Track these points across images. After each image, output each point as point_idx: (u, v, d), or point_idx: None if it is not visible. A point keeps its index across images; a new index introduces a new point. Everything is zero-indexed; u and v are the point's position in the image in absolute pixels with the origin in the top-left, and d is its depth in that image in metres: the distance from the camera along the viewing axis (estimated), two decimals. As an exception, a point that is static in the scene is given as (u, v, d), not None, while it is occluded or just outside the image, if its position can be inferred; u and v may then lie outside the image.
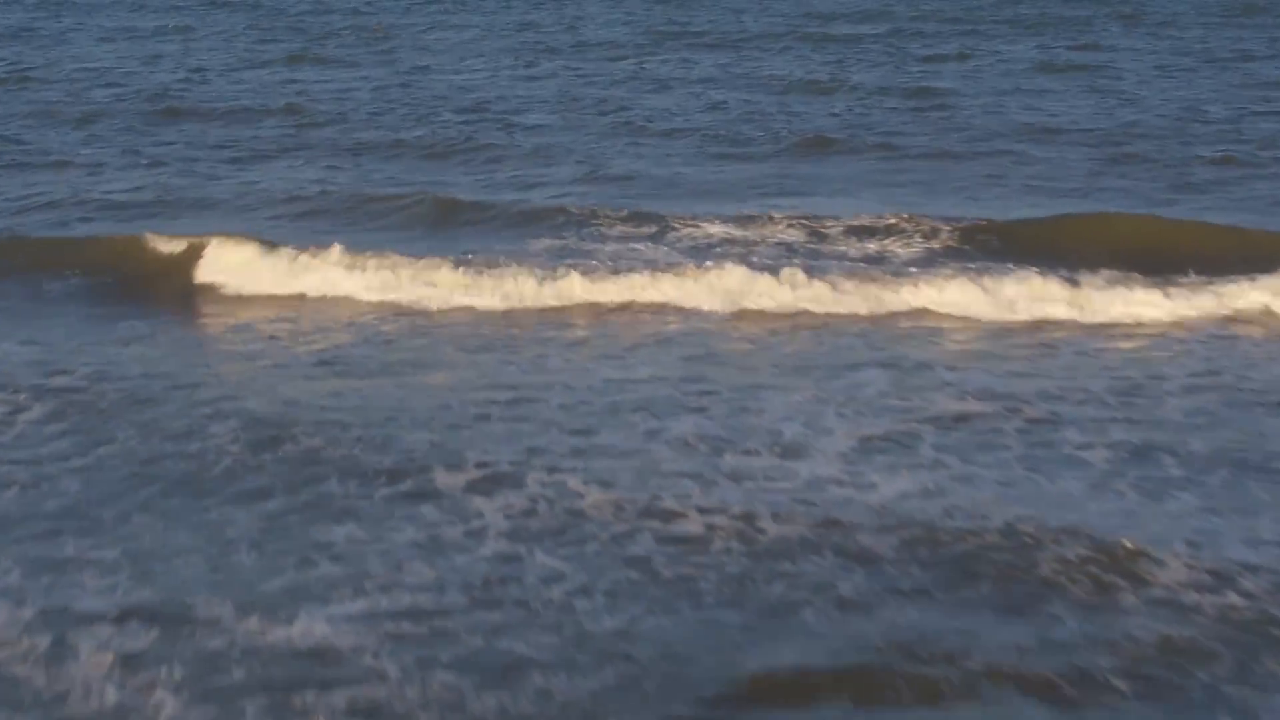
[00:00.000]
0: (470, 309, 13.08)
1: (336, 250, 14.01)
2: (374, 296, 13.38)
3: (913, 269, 13.39)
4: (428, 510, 8.54)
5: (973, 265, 13.55)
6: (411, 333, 12.47)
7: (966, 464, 9.19)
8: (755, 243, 14.51)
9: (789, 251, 14.18)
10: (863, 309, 12.47)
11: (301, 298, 13.68)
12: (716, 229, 14.97)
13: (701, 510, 8.36)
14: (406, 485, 8.86)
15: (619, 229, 15.17)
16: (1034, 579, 7.53)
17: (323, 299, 13.59)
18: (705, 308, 12.63)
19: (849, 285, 12.70)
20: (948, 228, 14.73)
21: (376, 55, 30.35)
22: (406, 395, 10.57)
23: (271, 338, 12.48)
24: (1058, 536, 7.90)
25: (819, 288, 12.65)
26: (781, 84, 25.09)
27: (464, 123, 21.93)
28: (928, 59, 27.92)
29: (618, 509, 8.40)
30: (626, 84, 25.57)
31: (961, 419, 9.99)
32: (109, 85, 26.27)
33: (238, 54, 30.85)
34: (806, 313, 12.47)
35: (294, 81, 26.58)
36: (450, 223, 16.02)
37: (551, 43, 32.20)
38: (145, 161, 19.57)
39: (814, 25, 34.03)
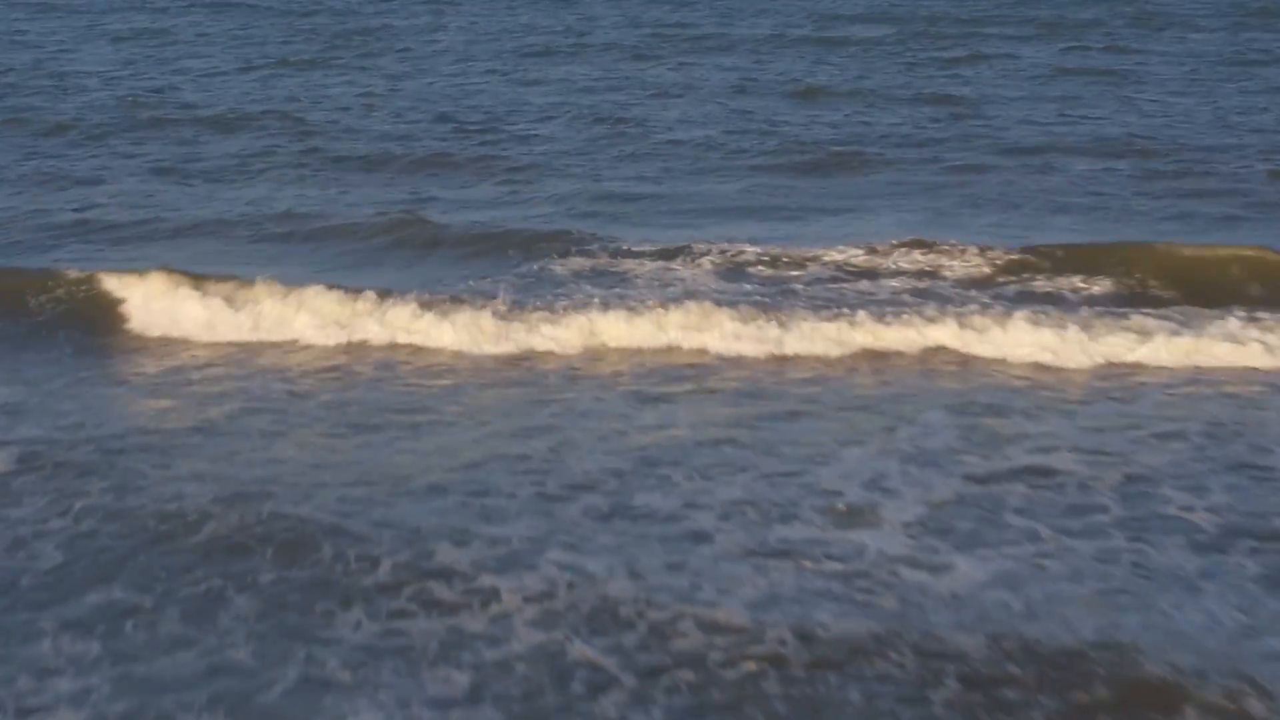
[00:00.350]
0: (466, 355, 11.55)
1: (292, 285, 12.55)
2: (333, 337, 11.89)
3: (967, 302, 12.07)
4: (439, 589, 7.38)
5: (1032, 297, 12.32)
6: (393, 378, 11.09)
7: (1058, 534, 7.98)
8: (792, 274, 13.02)
9: (831, 281, 12.82)
10: (919, 346, 11.21)
11: (258, 341, 12.12)
12: (746, 254, 13.51)
13: (751, 606, 7.14)
14: (411, 560, 7.68)
15: (638, 254, 13.66)
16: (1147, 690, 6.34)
17: (270, 343, 12.04)
18: (749, 351, 11.18)
19: (903, 320, 11.41)
20: (1001, 255, 13.26)
21: (363, 59, 28.93)
22: (391, 452, 9.37)
23: (218, 389, 10.87)
24: (1177, 643, 6.71)
25: (869, 322, 11.35)
26: (795, 90, 23.75)
27: (452, 133, 20.41)
28: (944, 63, 26.65)
29: (652, 596, 7.21)
30: (629, 90, 24.25)
31: (1046, 475, 8.79)
32: (77, 93, 24.56)
33: (214, 59, 29.24)
34: (860, 351, 11.18)
35: (269, 88, 24.97)
36: (434, 247, 14.48)
37: (553, 44, 30.93)
38: (90, 177, 17.99)
39: (821, 28, 32.77)
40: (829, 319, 11.36)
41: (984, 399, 10.24)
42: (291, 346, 11.89)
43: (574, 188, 16.90)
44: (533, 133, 20.30)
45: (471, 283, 12.80)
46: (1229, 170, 16.96)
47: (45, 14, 36.79)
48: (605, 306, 11.66)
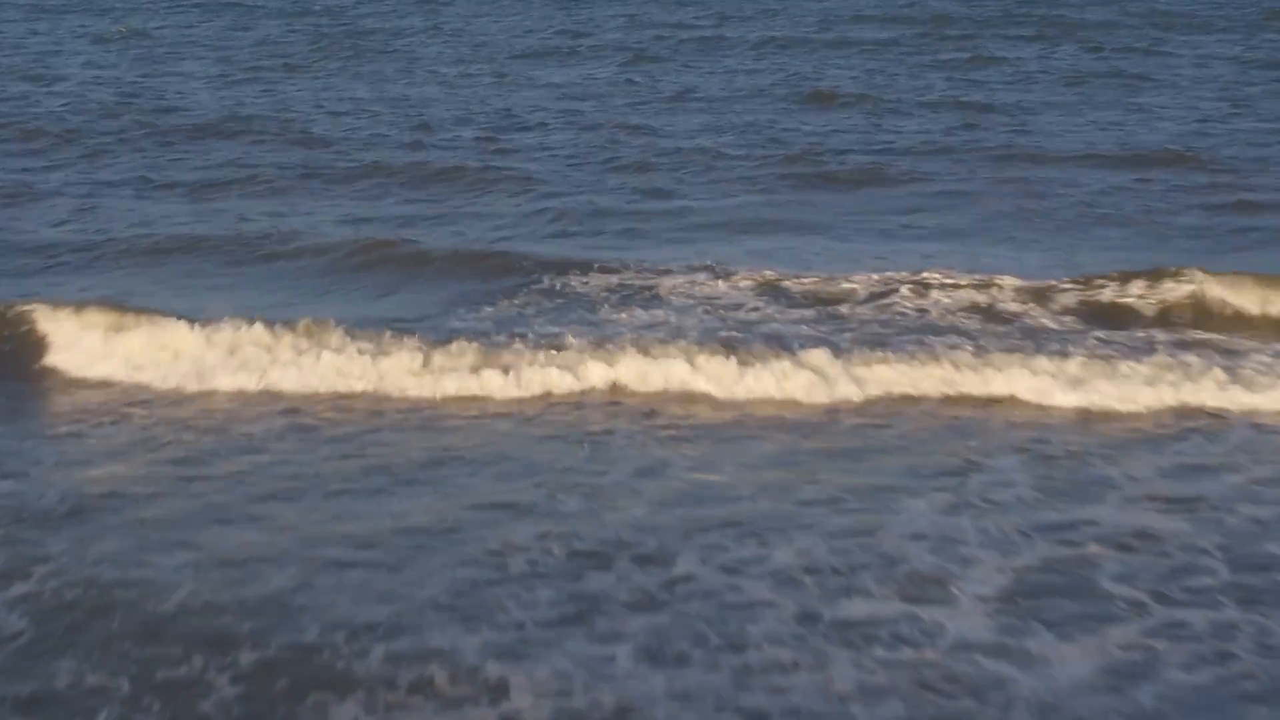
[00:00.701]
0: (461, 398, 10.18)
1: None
2: (313, 382, 10.46)
3: (1032, 335, 10.82)
4: (440, 679, 6.31)
5: (1097, 326, 11.09)
6: (368, 427, 9.72)
7: (1163, 605, 6.85)
8: (833, 302, 11.66)
9: (876, 310, 11.45)
10: (984, 386, 9.91)
11: (209, 390, 10.58)
12: (781, 279, 12.17)
13: (805, 716, 6.02)
14: (410, 646, 6.61)
15: (655, 276, 12.37)
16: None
17: (228, 392, 10.54)
18: (799, 394, 9.83)
19: (963, 357, 10.14)
20: (1058, 281, 11.87)
21: (346, 63, 27.80)
22: (389, 509, 8.25)
23: (174, 442, 9.49)
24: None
25: (927, 360, 10.08)
26: (808, 96, 22.57)
27: (442, 142, 19.18)
28: (960, 66, 25.49)
29: (689, 695, 6.11)
30: (631, 95, 23.12)
31: (1143, 537, 7.64)
32: (51, 98, 23.31)
33: (199, 62, 28.07)
34: (916, 393, 9.89)
35: (247, 94, 23.68)
36: (419, 269, 13.13)
37: (551, 46, 29.82)
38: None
39: (830, 29, 31.59)
40: (884, 357, 10.10)
41: (1057, 439, 9.09)
42: (247, 395, 10.41)
43: (574, 203, 15.69)
44: (530, 142, 19.12)
45: (462, 312, 11.68)
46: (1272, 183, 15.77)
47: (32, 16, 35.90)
48: (634, 341, 10.48)
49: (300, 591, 7.10)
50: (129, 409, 10.18)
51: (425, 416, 9.81)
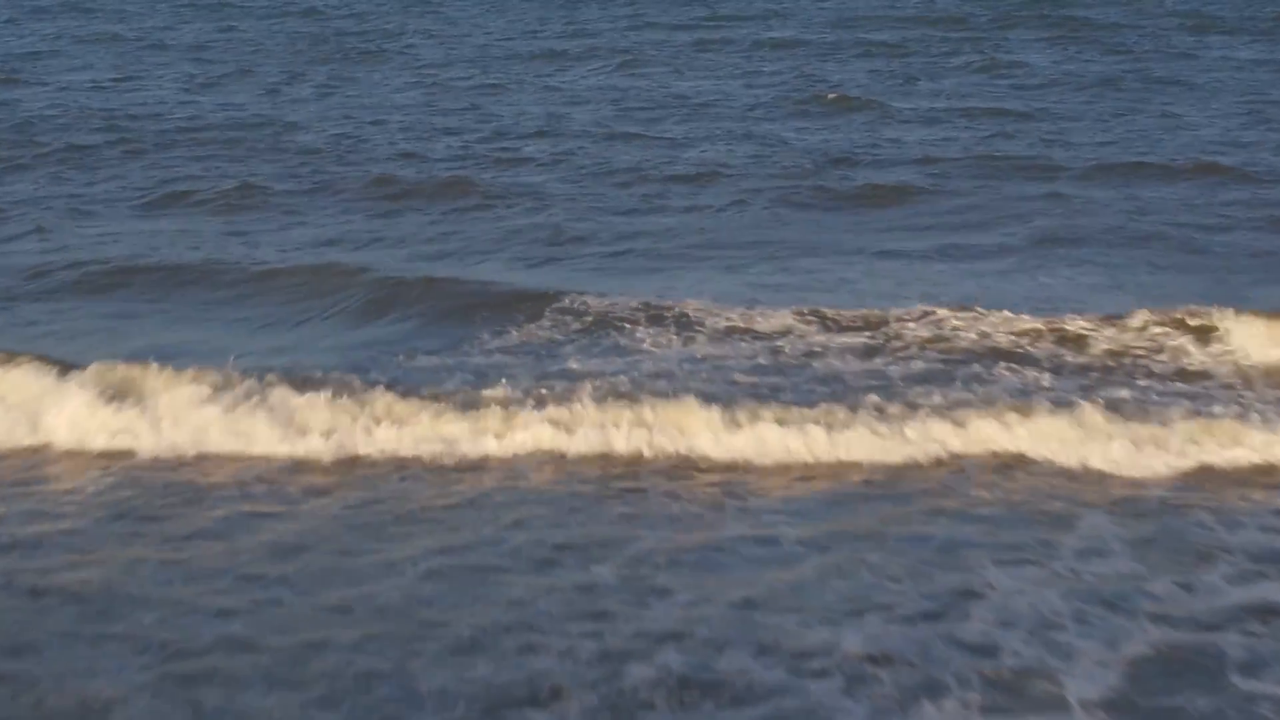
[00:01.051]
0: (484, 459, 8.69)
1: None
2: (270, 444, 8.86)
3: (1110, 384, 9.59)
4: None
5: (1183, 370, 9.91)
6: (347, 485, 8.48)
7: (1305, 709, 5.80)
8: (889, 349, 10.29)
9: (933, 354, 10.17)
10: (1077, 450, 8.54)
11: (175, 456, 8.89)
12: (817, 313, 10.94)
13: None
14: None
15: (688, 309, 11.13)
16: None
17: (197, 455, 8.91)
18: (857, 447, 8.56)
19: (1041, 409, 8.88)
20: (1133, 317, 10.60)
21: (325, 68, 26.86)
22: (402, 587, 7.16)
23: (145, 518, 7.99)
24: None
25: (1000, 412, 8.81)
26: (833, 100, 21.52)
27: (421, 155, 17.99)
28: (978, 69, 24.56)
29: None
30: (629, 102, 22.09)
31: (1267, 615, 6.58)
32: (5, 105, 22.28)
33: (171, 67, 27.13)
34: (992, 450, 8.59)
35: (212, 102, 22.60)
36: (388, 303, 11.87)
37: (546, 48, 28.90)
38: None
39: (845, 29, 30.67)
40: (948, 406, 8.93)
41: (1156, 495, 8.01)
42: (217, 457, 8.80)
43: (562, 220, 14.58)
44: (517, 153, 18.03)
45: (470, 347, 10.58)
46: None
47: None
48: (668, 389, 9.31)
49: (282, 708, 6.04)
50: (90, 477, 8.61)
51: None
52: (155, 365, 9.49)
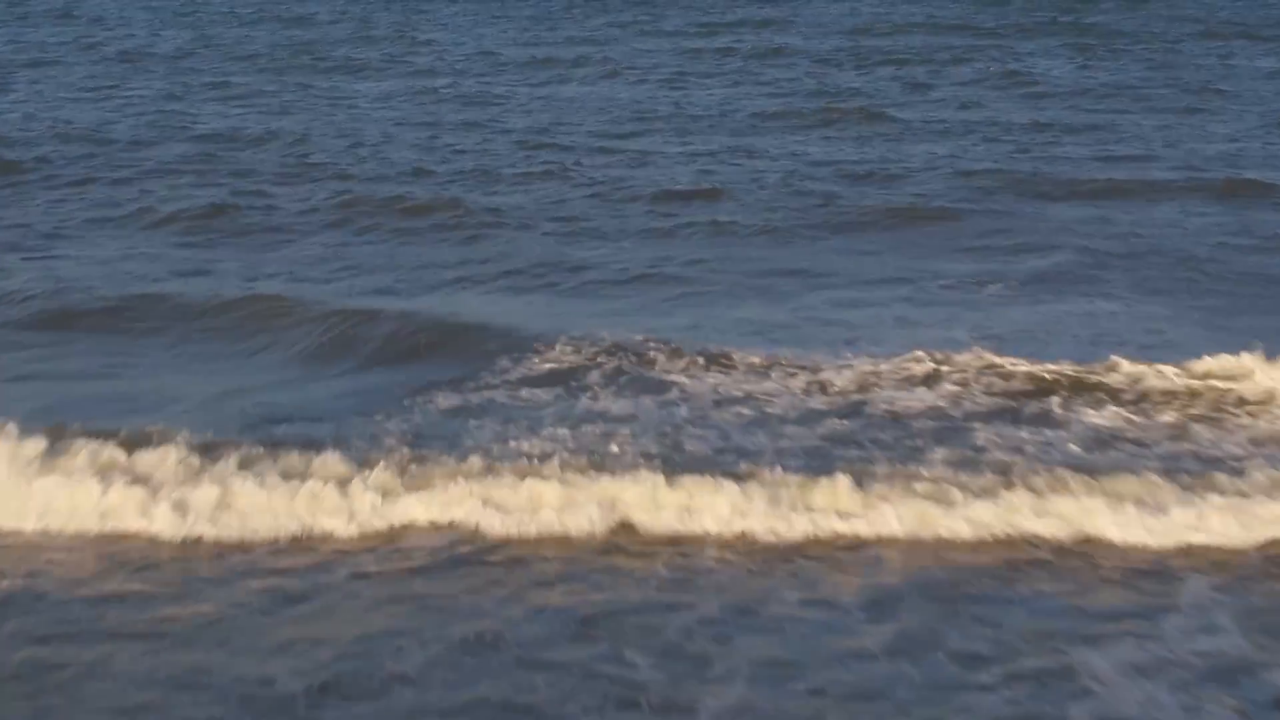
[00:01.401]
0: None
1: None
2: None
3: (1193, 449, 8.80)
4: None
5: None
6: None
7: None
8: (944, 407, 9.39)
9: (987, 410, 9.30)
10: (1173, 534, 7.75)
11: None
12: (861, 366, 9.97)
13: None
14: None
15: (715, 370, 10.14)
16: None
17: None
18: (943, 526, 7.77)
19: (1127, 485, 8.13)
20: (1196, 368, 9.80)
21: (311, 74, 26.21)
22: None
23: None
24: None
25: (1082, 495, 7.96)
26: (843, 114, 21.02)
27: (396, 175, 17.22)
28: (999, 78, 24.17)
29: None
30: (627, 112, 21.50)
31: None
32: None
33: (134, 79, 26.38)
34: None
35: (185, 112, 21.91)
36: (354, 344, 11.03)
37: (544, 57, 28.48)
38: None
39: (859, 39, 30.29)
40: (1016, 479, 8.15)
41: (1258, 562, 7.59)
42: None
43: (549, 251, 13.85)
44: (505, 170, 17.37)
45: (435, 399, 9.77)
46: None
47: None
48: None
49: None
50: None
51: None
52: None
